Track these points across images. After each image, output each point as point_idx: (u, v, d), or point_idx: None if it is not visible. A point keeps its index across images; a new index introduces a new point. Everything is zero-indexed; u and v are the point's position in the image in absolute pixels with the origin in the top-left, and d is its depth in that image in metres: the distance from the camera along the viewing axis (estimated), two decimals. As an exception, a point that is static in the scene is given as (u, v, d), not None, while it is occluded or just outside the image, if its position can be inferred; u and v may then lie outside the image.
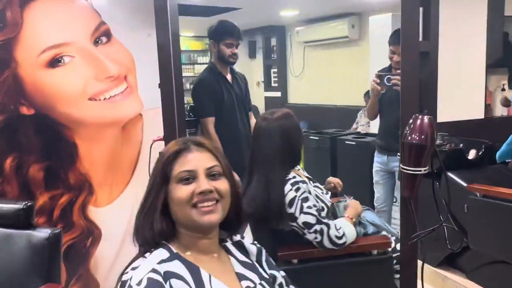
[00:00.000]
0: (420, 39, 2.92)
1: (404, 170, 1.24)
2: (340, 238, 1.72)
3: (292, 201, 1.68)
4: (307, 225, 1.69)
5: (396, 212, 2.88)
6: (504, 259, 2.31)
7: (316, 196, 1.85)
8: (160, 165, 1.00)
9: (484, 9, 3.07)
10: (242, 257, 1.08)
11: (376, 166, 2.91)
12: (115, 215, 2.62)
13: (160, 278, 0.89)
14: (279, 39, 7.04)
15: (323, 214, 1.79)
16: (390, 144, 2.76)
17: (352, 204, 1.95)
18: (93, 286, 2.62)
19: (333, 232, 1.71)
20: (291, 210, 1.68)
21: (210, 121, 2.63)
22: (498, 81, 3.32)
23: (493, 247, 2.34)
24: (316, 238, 1.70)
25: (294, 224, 1.70)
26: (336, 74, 6.02)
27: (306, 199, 1.70)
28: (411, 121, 1.23)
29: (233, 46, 2.70)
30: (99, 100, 2.50)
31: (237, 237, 1.13)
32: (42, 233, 1.65)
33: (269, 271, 1.11)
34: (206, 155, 1.01)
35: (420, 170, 1.21)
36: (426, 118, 1.20)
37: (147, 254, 0.98)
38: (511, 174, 2.60)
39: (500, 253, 2.32)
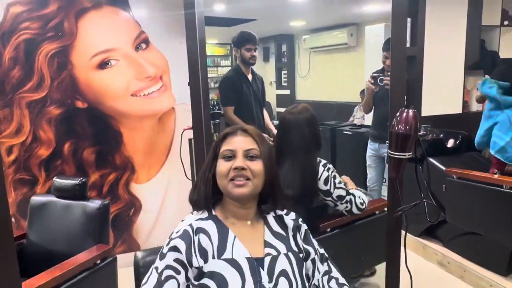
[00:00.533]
0: (408, 45, 2.90)
1: (391, 155, 1.25)
2: (362, 204, 1.78)
3: (326, 179, 1.68)
4: (340, 197, 1.72)
5: (385, 191, 2.88)
6: (475, 231, 2.30)
7: None
8: (214, 144, 1.00)
9: (464, 19, 3.02)
10: (278, 229, 1.02)
11: (369, 152, 2.91)
12: (152, 191, 2.67)
13: (191, 232, 0.93)
14: (288, 46, 6.98)
15: None
16: (381, 133, 2.75)
17: (347, 179, 1.95)
18: (135, 248, 2.66)
19: (358, 200, 1.77)
20: (327, 187, 1.68)
21: (230, 109, 2.74)
22: (475, 81, 3.26)
23: (466, 220, 2.33)
24: (346, 207, 1.74)
25: (329, 198, 1.71)
26: (337, 75, 5.96)
27: (335, 177, 1.71)
28: (398, 114, 1.23)
29: (251, 50, 2.77)
30: (140, 96, 2.54)
31: (281, 212, 1.06)
32: (94, 203, 1.69)
33: (304, 246, 1.03)
34: (248, 139, 0.98)
35: (404, 155, 1.22)
36: (410, 112, 1.20)
37: (194, 213, 1.01)
38: (484, 160, 2.57)
39: (472, 226, 2.31)
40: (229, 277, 0.89)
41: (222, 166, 0.95)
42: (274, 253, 0.96)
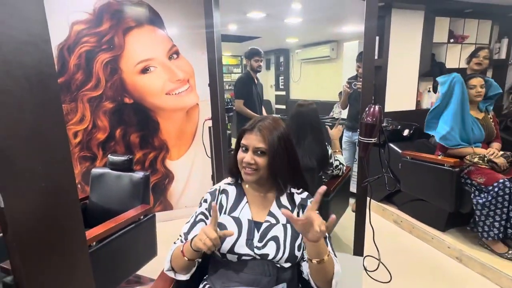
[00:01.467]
0: (376, 57, 2.83)
1: (361, 140, 1.23)
2: (344, 166, 1.84)
3: (331, 155, 1.72)
4: (337, 166, 1.76)
5: (355, 168, 2.86)
6: (422, 198, 2.30)
7: None
8: (238, 134, 0.95)
9: (419, 37, 2.94)
10: (286, 203, 0.94)
11: (344, 138, 2.87)
12: (182, 165, 2.68)
13: (217, 191, 0.96)
14: (285, 57, 6.86)
15: None
16: (354, 125, 2.72)
17: (336, 134, 1.95)
18: (169, 208, 2.71)
19: (343, 168, 1.83)
20: (331, 160, 1.72)
21: (241, 102, 2.78)
22: (426, 85, 3.20)
23: (416, 190, 2.32)
24: (337, 172, 1.79)
25: (332, 168, 1.74)
26: (321, 80, 5.87)
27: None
28: (367, 109, 1.21)
29: (258, 61, 2.81)
30: (172, 94, 2.52)
31: (294, 190, 0.97)
32: (139, 174, 1.69)
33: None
34: (259, 138, 0.88)
35: (371, 140, 1.20)
36: (377, 107, 1.18)
37: (229, 178, 1.00)
38: (431, 145, 2.54)
39: (420, 194, 2.30)
40: (230, 229, 0.89)
41: (239, 155, 0.92)
42: (273, 221, 0.91)
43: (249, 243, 0.87)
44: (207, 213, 0.94)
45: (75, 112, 2.34)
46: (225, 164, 1.57)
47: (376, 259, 1.35)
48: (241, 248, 0.87)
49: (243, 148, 0.92)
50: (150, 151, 2.57)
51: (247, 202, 0.94)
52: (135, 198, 1.63)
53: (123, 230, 1.43)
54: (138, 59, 2.38)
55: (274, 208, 0.93)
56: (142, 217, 1.56)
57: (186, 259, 0.85)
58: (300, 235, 0.90)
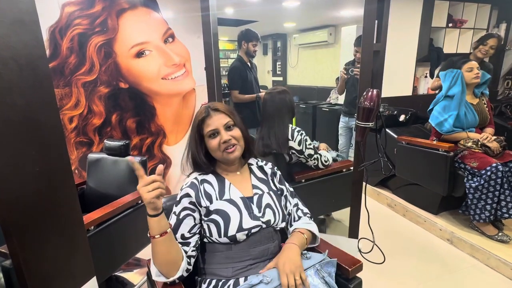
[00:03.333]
0: (374, 42, 2.79)
1: (358, 124, 1.22)
2: (326, 162, 1.75)
3: (300, 141, 1.63)
4: (310, 155, 1.68)
5: (351, 153, 2.87)
6: (416, 182, 2.32)
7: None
8: (195, 127, 0.94)
9: (418, 22, 2.89)
10: (260, 175, 1.02)
11: (340, 124, 2.86)
12: (179, 150, 2.66)
13: (197, 183, 0.93)
14: (282, 42, 6.73)
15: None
16: (350, 110, 2.70)
17: (323, 146, 1.96)
18: (167, 192, 2.69)
19: (323, 159, 1.74)
20: (300, 147, 1.64)
21: (236, 92, 2.67)
22: (423, 71, 3.17)
23: (410, 175, 2.34)
24: (314, 163, 1.71)
25: (302, 156, 1.67)
26: (318, 66, 5.79)
27: (306, 140, 1.67)
28: (364, 93, 1.20)
29: (255, 46, 2.66)
30: (168, 79, 2.47)
31: (261, 163, 1.05)
32: (136, 159, 1.67)
33: (280, 186, 1.03)
34: (221, 115, 0.91)
35: (368, 124, 1.19)
36: (374, 91, 1.16)
37: (195, 172, 0.98)
38: (426, 130, 2.55)
39: (414, 178, 2.33)
40: (230, 212, 0.89)
41: (212, 143, 0.91)
42: (260, 192, 0.96)
43: (253, 215, 0.91)
44: (193, 207, 0.90)
45: (70, 97, 2.29)
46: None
47: (371, 241, 1.37)
48: (248, 222, 0.89)
49: (212, 135, 0.92)
50: (147, 137, 2.54)
51: (230, 183, 0.96)
52: (133, 183, 1.62)
53: (121, 214, 1.43)
54: (132, 42, 2.31)
55: (254, 181, 0.99)
56: (139, 201, 1.56)
57: (158, 236, 0.78)
58: (282, 198, 1.01)
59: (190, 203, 0.90)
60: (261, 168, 1.04)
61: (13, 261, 0.65)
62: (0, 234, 0.64)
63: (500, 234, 1.90)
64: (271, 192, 0.98)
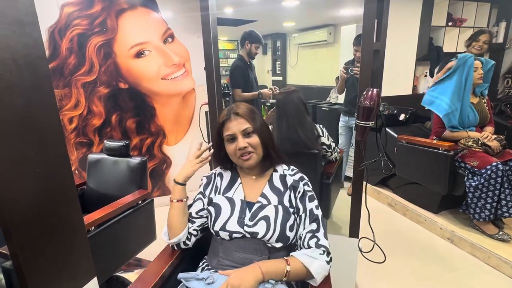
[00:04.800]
0: (374, 41, 2.78)
1: (359, 124, 1.22)
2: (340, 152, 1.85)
3: (327, 135, 1.72)
4: (334, 148, 1.75)
5: (352, 152, 2.87)
6: (416, 181, 2.32)
7: None
8: (216, 129, 0.95)
9: (417, 21, 2.89)
10: (278, 185, 0.95)
11: (340, 123, 2.85)
12: (179, 151, 2.67)
13: (213, 175, 1.02)
14: (282, 42, 6.72)
15: None
16: (350, 109, 2.70)
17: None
18: (168, 193, 2.70)
19: (337, 149, 1.82)
20: (329, 142, 1.71)
21: (239, 91, 2.69)
22: (423, 70, 3.17)
23: (411, 173, 2.34)
24: (335, 156, 1.79)
25: (330, 150, 1.73)
26: (318, 65, 5.79)
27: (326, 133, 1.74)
28: (365, 92, 1.19)
29: (257, 49, 2.71)
30: (168, 79, 2.47)
31: (287, 172, 0.98)
32: (136, 160, 1.67)
33: (298, 204, 0.92)
34: (241, 120, 0.90)
35: (368, 124, 1.19)
36: (375, 90, 1.16)
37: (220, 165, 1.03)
38: (426, 129, 2.55)
39: (415, 178, 2.33)
40: (224, 209, 0.93)
41: (230, 148, 0.92)
42: (265, 202, 0.92)
43: (240, 221, 0.90)
44: (203, 192, 1.00)
45: (69, 97, 2.29)
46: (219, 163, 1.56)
47: (371, 240, 1.37)
48: (232, 225, 0.90)
49: (230, 139, 0.91)
50: (147, 137, 2.54)
51: (240, 183, 0.97)
52: (133, 183, 1.62)
53: (122, 215, 1.43)
54: (132, 42, 2.31)
55: (266, 189, 0.95)
56: (140, 202, 1.56)
57: (175, 201, 0.94)
58: (292, 216, 0.91)
59: (202, 189, 1.01)
60: (283, 177, 0.96)
61: (14, 262, 0.65)
62: (1, 235, 0.64)
63: (500, 233, 1.90)
64: (279, 206, 0.90)
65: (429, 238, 2.12)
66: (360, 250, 1.43)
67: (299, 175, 0.97)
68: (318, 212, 0.92)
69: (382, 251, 1.36)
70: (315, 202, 0.94)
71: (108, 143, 1.74)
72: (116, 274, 1.69)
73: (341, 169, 2.09)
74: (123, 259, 1.49)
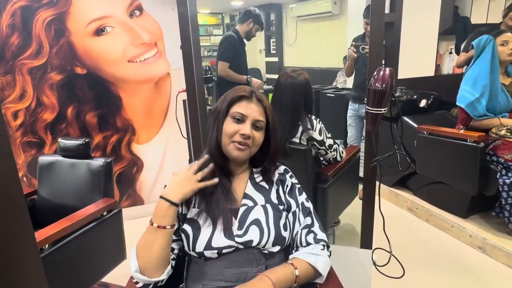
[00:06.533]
0: (387, 11, 2.80)
1: (368, 110, 1.24)
2: (343, 153, 1.87)
3: (320, 130, 1.71)
4: (330, 146, 1.76)
5: (363, 147, 2.90)
6: (441, 180, 2.37)
7: None
8: (227, 99, 0.93)
9: (440, -14, 2.93)
10: (261, 181, 0.98)
11: (349, 112, 2.89)
12: (152, 150, 2.66)
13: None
14: (277, 14, 6.72)
15: None
16: (361, 95, 2.73)
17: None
18: (139, 202, 2.70)
19: (340, 149, 1.84)
20: (321, 137, 1.72)
21: (226, 65, 2.80)
22: (447, 46, 3.22)
23: (434, 171, 2.38)
24: (333, 155, 1.80)
25: (323, 147, 1.74)
26: (321, 42, 5.81)
27: (325, 129, 1.74)
28: (375, 72, 1.21)
29: (258, 31, 2.93)
30: (136, 62, 2.46)
31: (273, 170, 1.00)
32: (98, 161, 1.66)
33: (287, 199, 0.98)
34: (260, 110, 0.93)
35: (380, 110, 1.20)
36: (387, 70, 1.18)
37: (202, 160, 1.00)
38: (452, 117, 2.59)
39: (439, 176, 2.37)
40: (202, 223, 0.90)
41: (230, 126, 0.91)
42: (251, 204, 0.94)
43: (228, 233, 0.89)
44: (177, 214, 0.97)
45: (13, 86, 2.26)
46: (205, 146, 1.57)
47: (387, 251, 1.40)
48: (219, 241, 0.88)
49: (236, 118, 0.91)
50: (112, 134, 2.53)
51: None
52: (95, 190, 1.62)
53: (83, 229, 1.43)
54: (90, 17, 2.29)
55: (249, 189, 0.96)
56: (105, 213, 1.56)
57: (169, 227, 0.86)
58: (284, 214, 0.95)
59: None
60: (265, 172, 0.99)
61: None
62: None
63: (540, 238, 1.96)
64: (267, 205, 0.94)
65: (456, 248, 2.17)
66: (374, 264, 1.46)
67: (282, 167, 1.04)
68: (309, 205, 1.01)
69: (401, 264, 1.39)
70: (304, 195, 1.02)
71: (63, 142, 1.73)
72: (78, 302, 1.69)
73: (354, 171, 2.10)
74: (87, 283, 1.48)
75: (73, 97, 2.38)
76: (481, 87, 2.03)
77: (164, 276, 0.88)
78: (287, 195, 0.98)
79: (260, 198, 0.95)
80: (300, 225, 0.97)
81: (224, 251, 0.88)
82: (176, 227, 0.90)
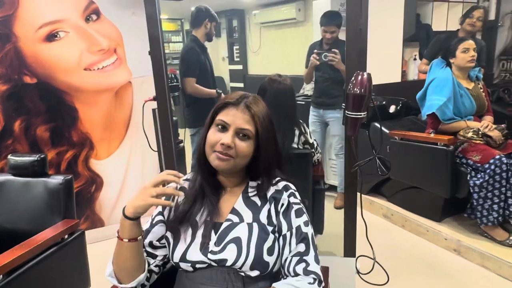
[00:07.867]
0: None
1: (348, 115, 1.29)
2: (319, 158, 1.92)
3: (310, 133, 1.79)
4: (316, 148, 1.81)
5: (332, 154, 2.94)
6: (415, 185, 2.49)
7: None
8: (213, 109, 0.92)
9: (402, -6, 3.14)
10: (254, 197, 0.95)
11: (312, 118, 2.87)
12: (114, 166, 2.58)
13: (186, 182, 0.99)
14: (239, 21, 6.80)
15: None
16: (324, 100, 2.80)
17: None
18: (99, 224, 2.60)
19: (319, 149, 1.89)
20: (312, 140, 1.78)
21: (193, 80, 2.67)
22: (411, 52, 3.45)
23: (408, 176, 2.51)
24: (318, 156, 1.84)
25: (313, 149, 1.79)
26: (287, 49, 5.95)
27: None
28: (353, 77, 1.27)
29: (215, 27, 2.84)
30: (93, 70, 2.39)
31: (267, 184, 0.95)
32: (56, 179, 1.61)
33: (279, 220, 0.92)
34: (247, 117, 0.88)
35: (360, 115, 1.27)
36: (365, 74, 1.24)
37: (190, 174, 1.02)
38: (420, 122, 2.75)
39: (412, 180, 2.50)
40: (183, 233, 0.92)
41: (212, 136, 0.89)
42: (236, 220, 0.91)
43: (204, 247, 0.89)
44: (162, 210, 0.98)
45: (-51, 98, 2.11)
46: (177, 158, 1.54)
47: (371, 258, 1.45)
48: (194, 254, 0.89)
49: (220, 126, 0.89)
50: (67, 149, 2.43)
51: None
52: (54, 212, 1.57)
53: (42, 255, 1.36)
54: (40, 21, 2.21)
55: (239, 204, 0.94)
56: (66, 236, 1.50)
57: (126, 240, 0.86)
58: (271, 236, 0.90)
59: (161, 208, 0.98)
60: (261, 188, 0.95)
61: None
62: None
63: (511, 237, 2.11)
64: (254, 224, 0.90)
65: (433, 252, 2.29)
66: (358, 272, 1.50)
67: (283, 183, 0.97)
68: (308, 230, 0.91)
69: (385, 271, 1.44)
70: (304, 218, 0.92)
71: (14, 159, 1.65)
72: None
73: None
74: (46, 317, 1.40)
75: (21, 110, 2.27)
76: (447, 92, 2.19)
77: (132, 284, 0.90)
78: (280, 216, 0.92)
79: (248, 215, 0.92)
80: (290, 251, 0.90)
81: (197, 265, 0.89)
82: (142, 239, 0.90)
